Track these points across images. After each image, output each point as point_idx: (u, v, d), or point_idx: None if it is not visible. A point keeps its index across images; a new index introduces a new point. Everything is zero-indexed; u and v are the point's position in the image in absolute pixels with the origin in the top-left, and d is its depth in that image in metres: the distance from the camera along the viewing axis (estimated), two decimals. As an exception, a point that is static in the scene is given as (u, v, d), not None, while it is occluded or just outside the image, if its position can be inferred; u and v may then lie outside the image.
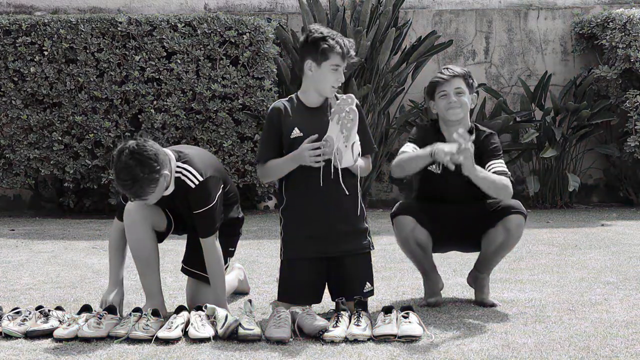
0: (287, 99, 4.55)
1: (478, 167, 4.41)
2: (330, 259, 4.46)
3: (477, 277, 4.77)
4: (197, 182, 4.29)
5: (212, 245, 4.38)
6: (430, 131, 4.69)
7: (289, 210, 4.48)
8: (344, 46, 4.37)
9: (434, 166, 4.61)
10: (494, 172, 4.52)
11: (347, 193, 4.38)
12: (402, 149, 4.63)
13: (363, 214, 4.52)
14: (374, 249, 4.58)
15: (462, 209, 4.65)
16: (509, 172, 4.62)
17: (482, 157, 4.58)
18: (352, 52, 4.43)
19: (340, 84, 4.45)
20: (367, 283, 4.50)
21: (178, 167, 4.32)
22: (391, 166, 4.64)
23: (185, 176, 4.30)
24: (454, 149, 4.24)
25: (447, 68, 4.69)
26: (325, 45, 4.35)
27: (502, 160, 4.64)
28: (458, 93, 4.59)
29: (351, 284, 4.45)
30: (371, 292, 4.53)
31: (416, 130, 4.73)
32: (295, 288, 4.45)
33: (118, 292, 4.44)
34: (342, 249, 4.44)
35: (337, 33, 4.46)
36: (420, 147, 4.55)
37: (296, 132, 4.41)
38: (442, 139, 4.59)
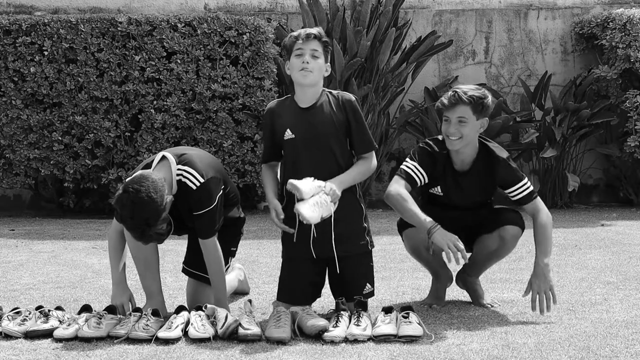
0: (282, 98, 4.57)
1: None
2: (330, 259, 4.45)
3: (467, 280, 4.78)
4: (198, 184, 4.28)
5: (212, 246, 4.37)
6: (440, 158, 4.50)
7: (288, 209, 4.47)
8: (300, 32, 4.41)
9: (436, 189, 4.59)
10: (516, 200, 4.50)
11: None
12: (405, 168, 4.48)
13: (362, 213, 4.52)
14: (373, 247, 4.56)
15: (466, 216, 4.64)
16: (532, 191, 4.49)
17: (500, 185, 4.53)
18: (311, 31, 4.38)
19: (307, 66, 4.34)
20: (367, 284, 4.48)
21: (179, 169, 4.30)
22: (388, 196, 4.42)
23: (187, 178, 4.29)
24: (452, 240, 4.22)
25: (455, 92, 4.42)
26: (286, 39, 4.47)
27: (521, 184, 4.48)
28: (460, 122, 4.37)
29: (351, 285, 4.44)
30: (371, 293, 4.51)
31: (424, 154, 4.50)
32: (295, 288, 4.45)
33: (124, 291, 4.44)
34: (342, 249, 4.43)
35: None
36: (428, 174, 4.48)
37: (288, 134, 4.42)
38: (451, 166, 4.53)
